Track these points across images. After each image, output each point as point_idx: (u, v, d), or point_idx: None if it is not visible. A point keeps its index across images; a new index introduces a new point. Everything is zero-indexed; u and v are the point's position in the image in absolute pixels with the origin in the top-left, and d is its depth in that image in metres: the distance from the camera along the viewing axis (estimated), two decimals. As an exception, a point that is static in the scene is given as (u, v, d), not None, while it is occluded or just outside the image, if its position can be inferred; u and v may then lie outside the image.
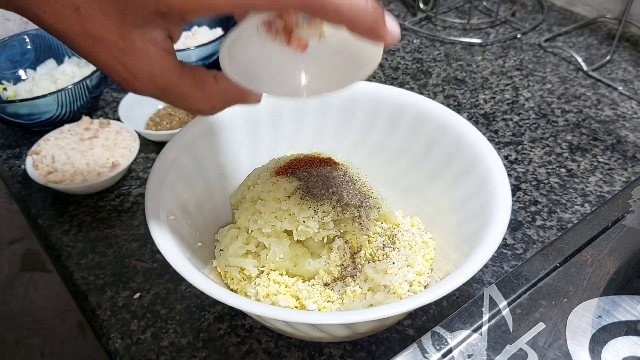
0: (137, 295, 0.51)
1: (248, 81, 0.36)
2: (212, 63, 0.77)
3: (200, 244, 0.48)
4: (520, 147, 0.68)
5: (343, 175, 0.48)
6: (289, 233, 0.46)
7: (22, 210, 0.63)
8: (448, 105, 0.74)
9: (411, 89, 0.78)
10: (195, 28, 0.84)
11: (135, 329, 0.48)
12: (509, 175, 0.63)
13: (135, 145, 0.63)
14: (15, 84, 0.73)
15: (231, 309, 0.49)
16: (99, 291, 0.51)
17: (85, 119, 0.66)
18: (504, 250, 0.54)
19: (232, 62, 0.35)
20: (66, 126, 0.65)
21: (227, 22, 0.82)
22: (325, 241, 0.46)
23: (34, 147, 0.63)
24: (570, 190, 0.61)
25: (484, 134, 0.48)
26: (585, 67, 0.81)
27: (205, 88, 0.37)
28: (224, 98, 0.38)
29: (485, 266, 0.52)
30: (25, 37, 0.74)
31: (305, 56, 0.36)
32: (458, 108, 0.74)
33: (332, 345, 0.47)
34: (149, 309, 0.50)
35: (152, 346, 0.47)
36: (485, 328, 0.42)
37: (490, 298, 0.44)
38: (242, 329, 0.48)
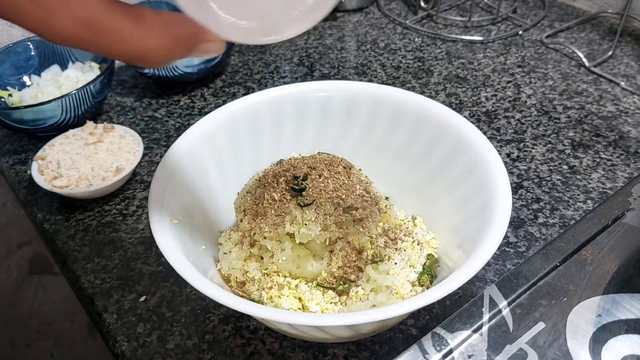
0: (142, 299, 0.52)
1: (203, 16, 0.31)
2: (216, 64, 0.78)
3: (204, 247, 0.48)
4: (522, 144, 0.68)
5: (345, 177, 0.49)
6: (291, 236, 0.46)
7: (28, 215, 0.64)
8: (450, 104, 0.75)
9: (413, 88, 0.78)
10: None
11: (141, 331, 0.49)
12: (511, 173, 0.63)
13: (139, 149, 0.64)
14: (20, 90, 0.74)
15: (235, 310, 0.50)
16: (105, 295, 0.52)
17: (90, 123, 0.66)
18: (507, 249, 0.55)
19: None
20: (71, 131, 0.66)
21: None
22: (327, 243, 0.47)
23: (40, 153, 0.63)
24: (573, 187, 0.61)
25: (485, 132, 0.48)
26: (587, 63, 0.81)
27: (142, 20, 0.31)
28: (172, 33, 0.32)
29: (488, 264, 0.53)
30: (29, 43, 0.75)
31: None
32: (460, 106, 0.74)
33: (336, 345, 0.47)
34: (154, 311, 0.50)
35: (158, 349, 0.47)
36: (485, 328, 0.42)
37: (490, 298, 0.44)
38: (246, 331, 0.49)
